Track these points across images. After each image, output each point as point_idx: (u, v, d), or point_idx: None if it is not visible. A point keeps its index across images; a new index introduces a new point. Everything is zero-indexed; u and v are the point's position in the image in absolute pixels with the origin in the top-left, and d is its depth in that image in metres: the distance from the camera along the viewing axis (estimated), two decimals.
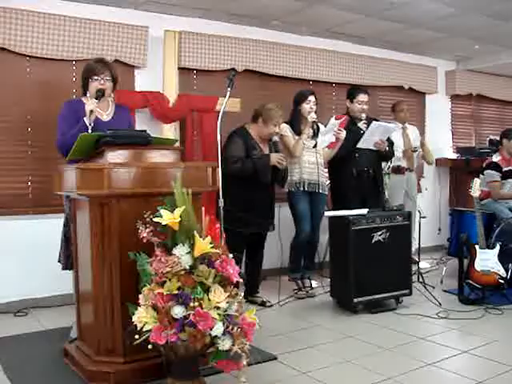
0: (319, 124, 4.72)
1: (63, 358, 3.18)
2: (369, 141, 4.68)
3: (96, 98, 3.30)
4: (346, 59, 6.14)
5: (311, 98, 4.64)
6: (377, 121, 4.82)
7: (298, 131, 4.62)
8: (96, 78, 3.39)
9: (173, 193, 2.53)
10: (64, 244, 3.45)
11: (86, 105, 3.28)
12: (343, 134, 4.62)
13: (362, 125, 4.79)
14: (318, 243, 4.89)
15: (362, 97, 4.82)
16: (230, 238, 3.75)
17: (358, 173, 4.74)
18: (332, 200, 5.03)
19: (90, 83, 3.42)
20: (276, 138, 4.48)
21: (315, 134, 4.69)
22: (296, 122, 4.66)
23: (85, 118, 3.25)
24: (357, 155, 4.73)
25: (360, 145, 4.67)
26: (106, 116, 3.47)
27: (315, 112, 4.62)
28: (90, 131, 3.14)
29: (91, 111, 3.24)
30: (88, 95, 3.43)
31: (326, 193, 4.81)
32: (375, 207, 4.40)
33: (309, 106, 4.61)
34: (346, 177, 4.75)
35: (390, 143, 4.93)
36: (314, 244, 4.83)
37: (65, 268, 3.46)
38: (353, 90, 4.93)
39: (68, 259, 3.41)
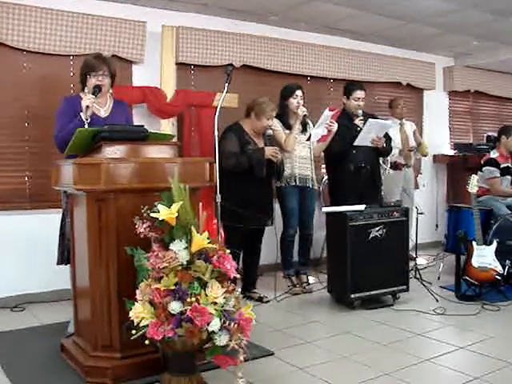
0: (307, 119, 4.68)
1: (60, 353, 3.19)
2: (365, 138, 4.66)
3: (93, 94, 3.29)
4: (344, 55, 6.12)
5: (298, 93, 4.60)
6: (373, 117, 4.81)
7: (287, 125, 4.60)
8: (94, 74, 3.38)
9: (170, 188, 2.53)
10: (59, 239, 3.45)
11: (82, 100, 3.27)
12: (335, 126, 4.58)
13: (358, 121, 4.75)
14: (311, 237, 4.85)
15: (359, 93, 4.78)
16: (229, 234, 3.76)
17: (355, 169, 4.71)
18: (329, 196, 5.03)
19: (88, 79, 3.41)
20: (270, 132, 4.46)
21: (305, 128, 4.67)
22: (285, 116, 4.64)
23: (81, 114, 3.23)
24: (354, 151, 4.69)
25: (357, 143, 4.64)
26: (103, 112, 3.46)
27: (303, 105, 4.58)
28: (86, 127, 3.13)
29: (87, 106, 3.22)
30: (86, 91, 3.42)
31: (316, 187, 4.80)
32: (373, 203, 4.39)
33: (296, 101, 4.58)
34: (343, 173, 4.72)
35: (388, 139, 4.90)
36: (307, 238, 4.81)
37: (59, 263, 3.46)
38: (349, 86, 4.90)
39: (62, 254, 3.42)
